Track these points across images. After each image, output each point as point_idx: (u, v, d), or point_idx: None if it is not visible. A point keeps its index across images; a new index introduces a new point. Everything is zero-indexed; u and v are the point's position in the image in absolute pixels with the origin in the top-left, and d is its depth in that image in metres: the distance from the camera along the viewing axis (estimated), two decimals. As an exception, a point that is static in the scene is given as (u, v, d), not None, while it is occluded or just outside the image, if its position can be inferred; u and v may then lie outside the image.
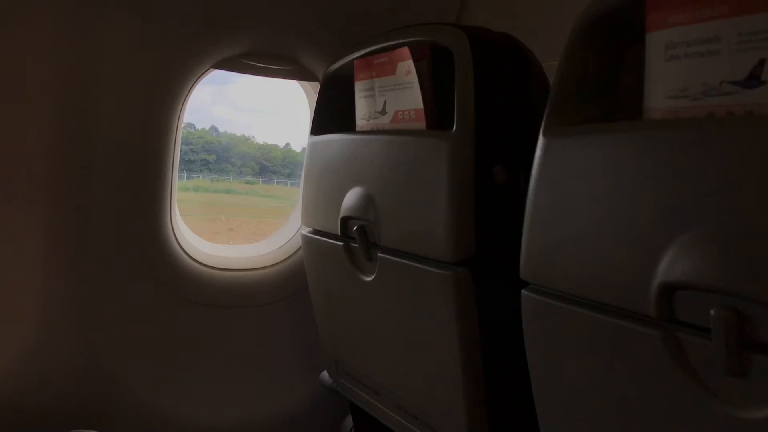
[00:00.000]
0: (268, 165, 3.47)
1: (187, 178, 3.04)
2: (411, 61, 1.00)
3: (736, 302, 0.53)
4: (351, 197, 1.11)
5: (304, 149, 1.40)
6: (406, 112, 1.03)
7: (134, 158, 1.36)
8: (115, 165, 1.35)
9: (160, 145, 1.37)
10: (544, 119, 0.73)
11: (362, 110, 1.15)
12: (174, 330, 1.48)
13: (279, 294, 1.58)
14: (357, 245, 1.09)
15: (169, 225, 1.45)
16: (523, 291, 0.76)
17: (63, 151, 1.30)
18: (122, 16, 1.28)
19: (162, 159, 1.38)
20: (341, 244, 1.15)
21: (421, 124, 1.00)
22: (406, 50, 1.01)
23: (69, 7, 1.24)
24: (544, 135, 0.72)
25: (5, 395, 1.32)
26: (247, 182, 3.52)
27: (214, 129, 3.40)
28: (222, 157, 3.37)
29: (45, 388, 1.37)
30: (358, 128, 1.17)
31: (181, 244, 1.48)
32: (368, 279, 1.09)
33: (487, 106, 0.90)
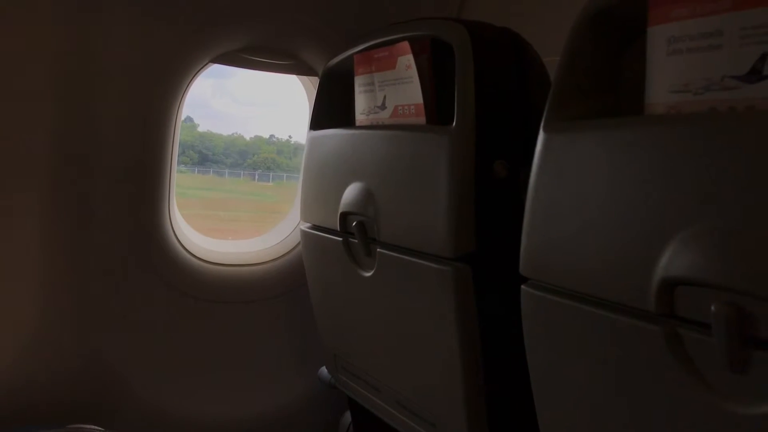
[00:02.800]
0: (208, 154, 3.40)
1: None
2: (411, 56, 0.99)
3: (737, 298, 0.53)
4: (350, 192, 1.10)
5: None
6: (406, 107, 1.03)
7: (132, 153, 1.35)
8: (113, 160, 1.34)
9: (158, 140, 1.37)
10: (545, 114, 0.72)
11: (362, 105, 1.14)
12: (172, 325, 1.48)
13: (278, 289, 1.58)
14: (356, 241, 1.09)
15: (168, 220, 1.44)
16: (522, 287, 0.76)
17: (60, 146, 1.30)
18: (121, 10, 1.28)
19: (160, 154, 1.38)
20: (340, 239, 1.15)
21: (421, 119, 1.00)
22: (406, 45, 1.00)
23: (67, 2, 1.23)
24: (545, 130, 0.72)
25: (6, 392, 1.32)
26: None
27: (188, 119, 3.33)
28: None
29: (45, 385, 1.36)
30: (357, 123, 1.16)
31: (180, 239, 1.48)
32: (367, 274, 1.09)
33: (487, 101, 0.90)
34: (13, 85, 1.23)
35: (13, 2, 1.18)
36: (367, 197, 1.06)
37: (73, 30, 1.25)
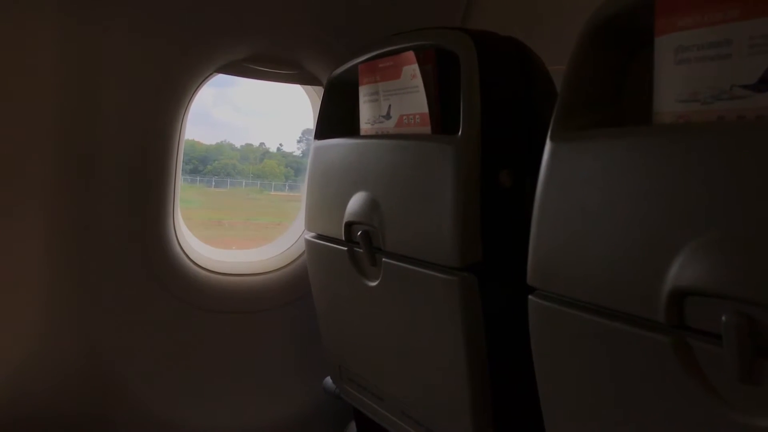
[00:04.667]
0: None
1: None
2: (416, 65, 1.00)
3: (748, 308, 0.52)
4: (355, 202, 1.10)
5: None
6: (411, 116, 1.03)
7: (137, 162, 1.36)
8: (118, 169, 1.35)
9: (163, 150, 1.37)
10: (551, 124, 0.72)
11: (366, 114, 1.14)
12: (176, 335, 1.48)
13: (282, 299, 1.58)
14: (361, 250, 1.09)
15: (172, 230, 1.44)
16: (530, 297, 0.75)
17: (66, 155, 1.30)
18: (125, 21, 1.28)
19: (165, 163, 1.38)
20: (345, 249, 1.15)
21: (427, 129, 1.00)
22: (411, 54, 1.00)
23: (71, 12, 1.24)
24: (552, 140, 0.72)
25: (6, 401, 1.31)
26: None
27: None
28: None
29: (47, 394, 1.36)
30: (362, 132, 1.16)
31: (184, 248, 1.48)
32: (373, 284, 1.09)
33: (493, 110, 0.90)
34: (17, 94, 1.23)
35: (17, 11, 1.19)
36: (372, 207, 1.06)
37: (76, 40, 1.26)
